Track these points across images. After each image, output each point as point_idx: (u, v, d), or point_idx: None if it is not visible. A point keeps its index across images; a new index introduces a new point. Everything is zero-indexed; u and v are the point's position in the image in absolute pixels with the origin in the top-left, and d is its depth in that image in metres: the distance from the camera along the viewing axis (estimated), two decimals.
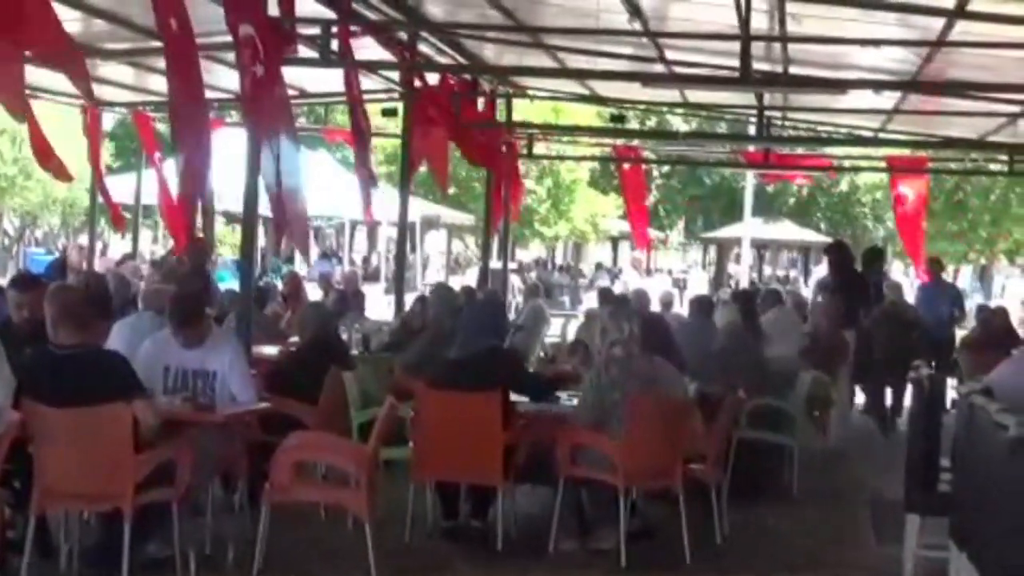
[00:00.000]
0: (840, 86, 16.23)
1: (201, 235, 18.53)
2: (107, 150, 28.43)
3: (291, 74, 15.25)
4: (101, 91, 19.46)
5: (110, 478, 8.29)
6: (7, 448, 7.40)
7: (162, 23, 10.39)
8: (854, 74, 16.14)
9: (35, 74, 17.25)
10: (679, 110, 25.45)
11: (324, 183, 33.28)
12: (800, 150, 27.91)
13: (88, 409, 8.18)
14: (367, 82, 16.37)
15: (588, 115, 34.65)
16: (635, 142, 26.35)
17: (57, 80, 17.63)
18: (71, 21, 14.71)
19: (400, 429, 10.52)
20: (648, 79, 15.87)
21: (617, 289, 26.71)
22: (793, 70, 15.85)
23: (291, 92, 17.86)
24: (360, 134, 15.97)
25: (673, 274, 51.96)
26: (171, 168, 20.04)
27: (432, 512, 10.57)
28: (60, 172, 18.31)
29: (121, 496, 8.24)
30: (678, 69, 16.05)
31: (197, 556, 8.86)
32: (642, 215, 27.77)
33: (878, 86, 16.46)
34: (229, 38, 13.91)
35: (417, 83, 16.74)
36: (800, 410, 13.20)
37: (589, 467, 10.07)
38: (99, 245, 28.11)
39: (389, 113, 19.77)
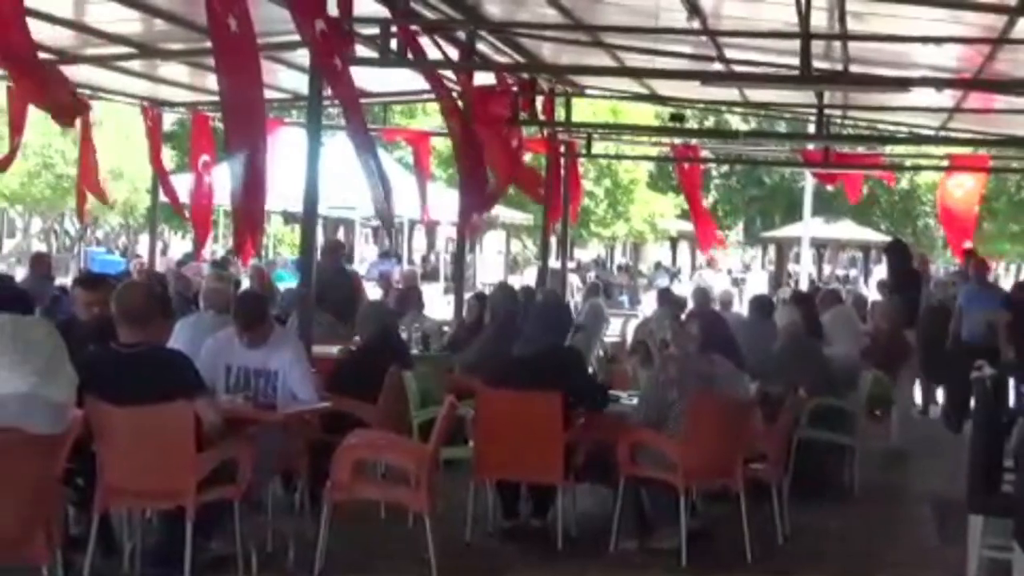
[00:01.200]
0: (902, 84, 16.07)
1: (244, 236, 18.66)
2: (165, 150, 28.58)
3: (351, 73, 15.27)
4: (160, 91, 19.55)
5: (172, 476, 8.32)
6: (71, 446, 7.43)
7: (219, 23, 10.38)
8: (915, 72, 16.02)
9: (95, 74, 17.40)
10: (738, 109, 25.33)
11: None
12: (860, 149, 27.76)
13: (150, 407, 8.21)
14: (424, 81, 16.35)
15: (646, 115, 34.60)
16: (694, 141, 26.26)
17: (117, 80, 17.77)
18: (131, 21, 14.80)
19: (460, 428, 10.54)
20: (707, 78, 15.79)
21: (687, 287, 26.65)
22: (853, 68, 15.74)
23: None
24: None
25: (732, 273, 51.80)
26: (221, 171, 20.21)
27: (492, 511, 10.57)
28: (101, 196, 18.60)
29: (183, 494, 8.27)
30: (737, 68, 15.98)
31: (258, 554, 8.89)
32: (704, 214, 27.66)
33: (940, 84, 16.33)
34: (287, 38, 14.02)
35: (476, 82, 16.73)
36: (861, 410, 13.15)
37: (649, 466, 10.06)
38: (159, 245, 28.33)
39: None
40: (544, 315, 11.16)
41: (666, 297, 18.96)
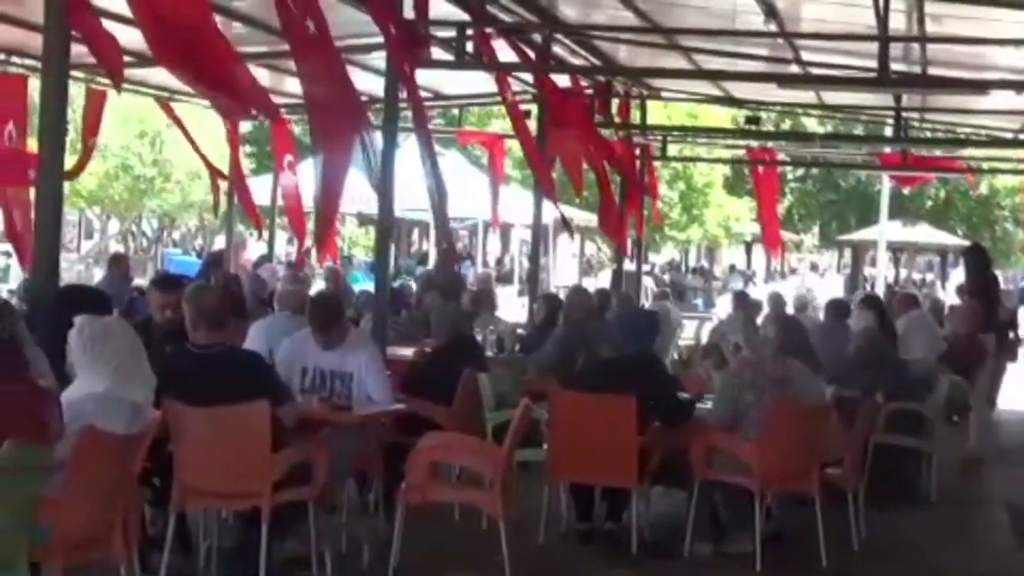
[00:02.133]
0: (981, 87, 15.96)
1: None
2: (242, 153, 28.74)
3: (426, 76, 15.32)
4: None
5: (248, 477, 8.34)
6: (148, 446, 7.47)
7: (295, 26, 10.42)
8: (994, 74, 15.89)
9: (171, 76, 17.50)
10: (814, 112, 25.21)
11: (457, 185, 33.45)
12: (938, 152, 27.52)
13: (227, 408, 8.24)
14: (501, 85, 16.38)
15: (722, 118, 34.47)
16: (770, 144, 26.14)
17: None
18: None
19: (534, 430, 10.52)
20: (784, 80, 15.74)
21: (762, 291, 26.54)
22: (931, 70, 15.65)
23: (426, 95, 17.99)
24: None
25: (808, 277, 51.50)
26: (306, 172, 20.28)
27: (567, 514, 10.56)
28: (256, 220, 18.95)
29: (259, 495, 8.29)
30: (814, 70, 15.91)
31: (333, 555, 8.91)
32: (773, 218, 27.51)
33: (1019, 87, 16.18)
34: (363, 40, 14.07)
35: (551, 85, 16.74)
36: (938, 414, 13.03)
37: (724, 470, 10.01)
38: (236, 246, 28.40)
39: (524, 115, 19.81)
40: (635, 321, 11.17)
41: (741, 300, 18.87)
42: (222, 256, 21.26)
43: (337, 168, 10.90)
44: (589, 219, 40.92)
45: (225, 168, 20.48)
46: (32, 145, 18.03)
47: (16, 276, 27.98)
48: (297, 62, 10.72)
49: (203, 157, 19.65)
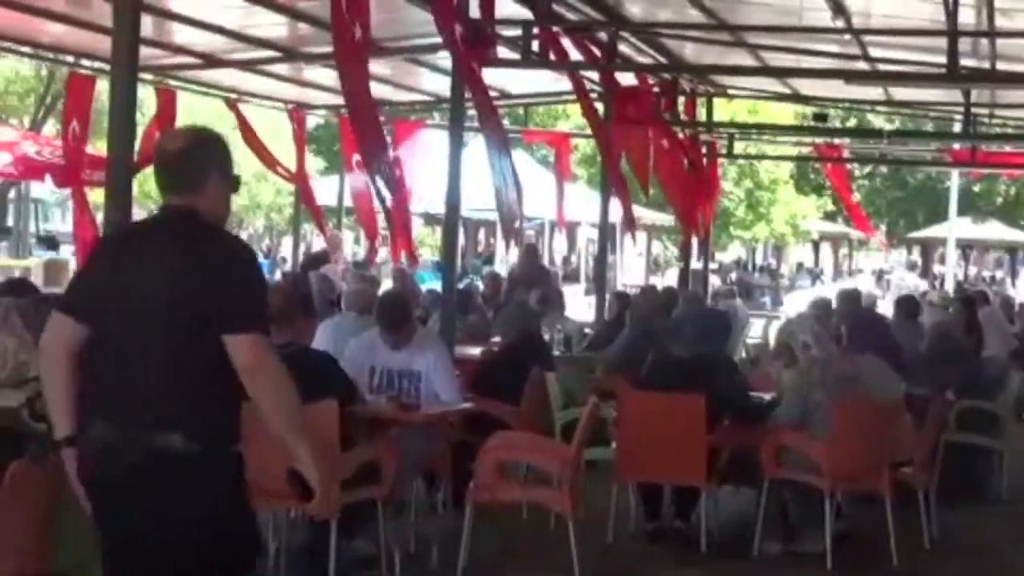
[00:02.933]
0: None
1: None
2: (310, 151, 28.86)
3: (492, 76, 15.32)
4: (305, 95, 19.73)
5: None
6: None
7: (344, 30, 10.44)
8: None
9: (241, 78, 17.60)
10: (882, 108, 25.06)
11: (524, 184, 33.42)
12: (1008, 148, 27.31)
13: None
14: (566, 83, 16.36)
15: (787, 115, 34.36)
16: (837, 141, 26.01)
17: (262, 83, 17.95)
18: (277, 25, 14.94)
19: (602, 429, 10.49)
20: (851, 76, 15.63)
21: (830, 289, 26.41)
22: (1001, 65, 15.51)
23: (492, 94, 18.00)
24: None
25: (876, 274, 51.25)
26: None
27: (635, 513, 10.53)
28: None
29: None
30: (882, 66, 15.80)
31: (402, 555, 8.92)
32: (855, 206, 27.41)
33: None
34: (428, 41, 14.08)
35: (617, 83, 16.72)
36: (1010, 412, 12.91)
37: (793, 469, 9.95)
38: (302, 246, 28.58)
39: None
40: (707, 320, 11.13)
41: (819, 301, 18.77)
42: (320, 257, 21.36)
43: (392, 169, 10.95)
44: (655, 217, 40.93)
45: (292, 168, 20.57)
46: (97, 147, 18.20)
47: None
48: (340, 66, 10.76)
49: (263, 158, 19.65)
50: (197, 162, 5.03)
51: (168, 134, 6.08)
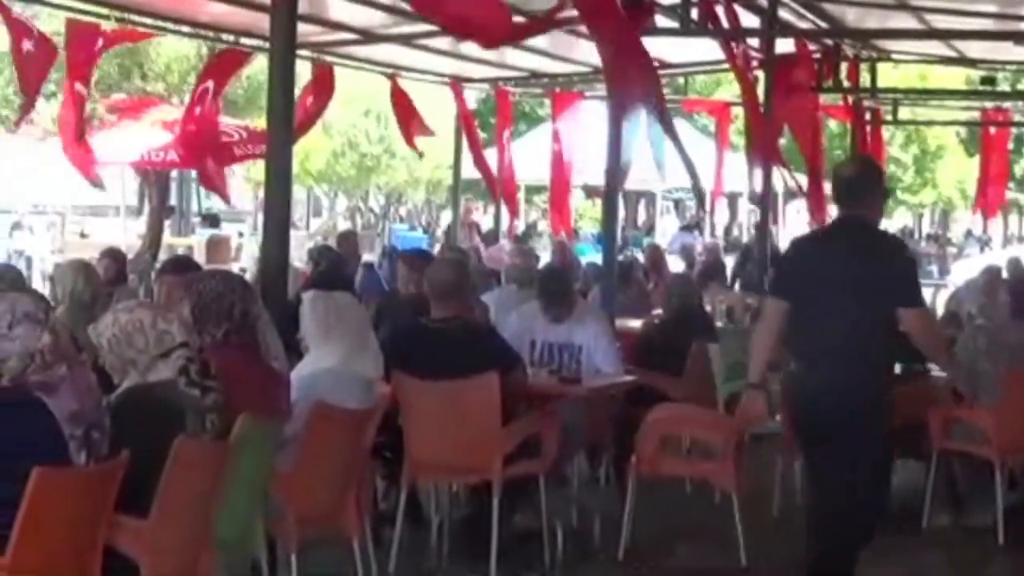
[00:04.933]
0: None
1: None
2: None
3: (651, 46, 15.22)
4: (463, 68, 19.75)
5: (479, 450, 8.38)
6: (379, 421, 7.56)
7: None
8: None
9: (400, 53, 17.68)
10: None
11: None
12: None
13: (456, 381, 8.29)
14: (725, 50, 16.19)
15: (955, 79, 33.73)
16: (1006, 105, 25.49)
17: (419, 57, 18.01)
18: None
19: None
20: (1020, 38, 15.32)
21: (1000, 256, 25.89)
22: None
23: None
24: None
25: None
26: (519, 146, 20.32)
27: (801, 487, 10.42)
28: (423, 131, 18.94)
29: (489, 469, 8.32)
30: None
31: (564, 530, 8.94)
32: (998, 180, 26.73)
33: None
34: None
35: (779, 49, 16.53)
36: None
37: (962, 440, 9.80)
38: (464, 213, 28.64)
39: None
40: None
41: (989, 268, 18.43)
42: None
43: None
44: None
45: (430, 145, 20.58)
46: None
47: (247, 256, 28.63)
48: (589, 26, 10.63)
49: (407, 129, 19.56)
50: (863, 184, 7.41)
51: (843, 164, 8.78)
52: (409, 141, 19.42)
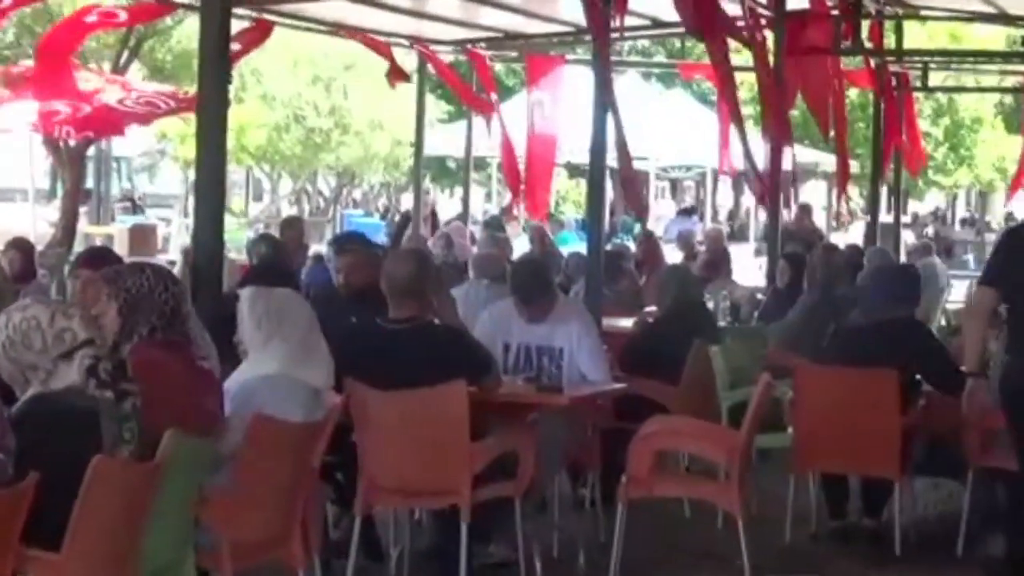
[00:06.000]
0: None
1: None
2: (431, 99, 28.72)
3: (642, 2, 15.25)
4: (426, 29, 19.68)
5: (444, 470, 8.38)
6: (329, 437, 7.54)
7: None
8: None
9: (351, 11, 17.64)
10: None
11: (681, 127, 33.28)
12: None
13: (418, 391, 8.28)
14: (732, 8, 16.21)
15: (993, 40, 33.90)
16: None
17: (374, 16, 17.94)
18: None
19: (777, 412, 10.45)
20: None
21: None
22: None
23: (642, 22, 17.91)
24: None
25: None
26: (510, 114, 20.27)
27: (816, 510, 10.48)
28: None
29: (457, 491, 8.32)
30: None
31: (543, 559, 8.96)
32: None
33: None
34: None
35: (790, 5, 16.55)
36: None
37: (1004, 455, 9.84)
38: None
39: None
40: (894, 281, 10.99)
41: None
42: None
43: None
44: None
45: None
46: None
47: (175, 247, 28.61)
48: None
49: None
50: None
51: None
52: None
